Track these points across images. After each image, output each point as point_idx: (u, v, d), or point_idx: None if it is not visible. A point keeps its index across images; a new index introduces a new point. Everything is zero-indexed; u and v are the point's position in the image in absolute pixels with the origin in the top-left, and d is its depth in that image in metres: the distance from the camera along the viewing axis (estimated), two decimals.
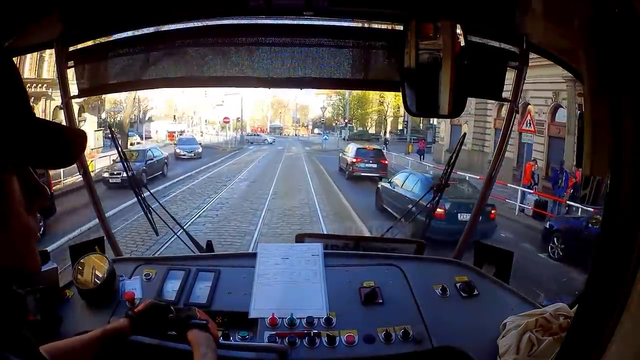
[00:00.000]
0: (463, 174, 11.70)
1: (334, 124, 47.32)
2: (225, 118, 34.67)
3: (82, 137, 0.56)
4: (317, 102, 49.41)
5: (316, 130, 46.71)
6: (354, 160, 15.21)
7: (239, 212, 9.98)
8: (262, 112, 55.15)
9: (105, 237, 1.72)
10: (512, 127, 1.64)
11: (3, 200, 0.49)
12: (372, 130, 41.35)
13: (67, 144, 0.54)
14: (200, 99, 43.54)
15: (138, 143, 24.16)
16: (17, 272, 0.54)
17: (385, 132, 39.46)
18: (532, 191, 11.34)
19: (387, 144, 28.12)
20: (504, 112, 1.98)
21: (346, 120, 38.15)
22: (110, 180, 11.60)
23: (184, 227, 1.99)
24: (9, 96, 0.49)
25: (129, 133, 23.52)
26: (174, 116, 43.13)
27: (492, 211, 8.14)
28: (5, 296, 0.52)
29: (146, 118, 38.33)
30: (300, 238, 1.75)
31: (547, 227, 8.23)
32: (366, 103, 41.40)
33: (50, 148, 0.52)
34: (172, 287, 1.43)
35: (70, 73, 1.54)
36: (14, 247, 0.51)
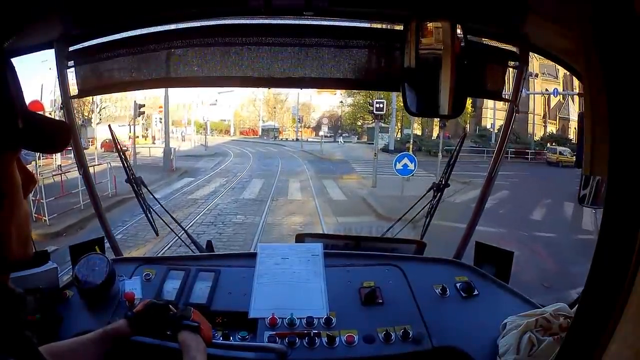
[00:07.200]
0: None
1: (349, 126, 37.97)
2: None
3: (66, 129, 0.62)
4: (319, 100, 44.37)
5: (322, 132, 36.27)
6: None
7: None
8: (255, 110, 46.47)
9: (105, 237, 1.72)
10: (512, 127, 1.64)
11: (9, 179, 0.53)
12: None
13: (52, 132, 0.59)
14: (192, 97, 36.99)
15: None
16: (16, 260, 0.55)
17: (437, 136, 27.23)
18: None
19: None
20: None
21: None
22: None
23: (185, 228, 1.99)
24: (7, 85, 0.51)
25: None
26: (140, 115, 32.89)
27: None
28: (4, 295, 0.52)
29: (99, 119, 28.95)
30: (300, 238, 1.75)
31: None
32: None
33: (39, 135, 0.56)
34: (172, 287, 1.43)
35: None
36: (20, 225, 0.54)
